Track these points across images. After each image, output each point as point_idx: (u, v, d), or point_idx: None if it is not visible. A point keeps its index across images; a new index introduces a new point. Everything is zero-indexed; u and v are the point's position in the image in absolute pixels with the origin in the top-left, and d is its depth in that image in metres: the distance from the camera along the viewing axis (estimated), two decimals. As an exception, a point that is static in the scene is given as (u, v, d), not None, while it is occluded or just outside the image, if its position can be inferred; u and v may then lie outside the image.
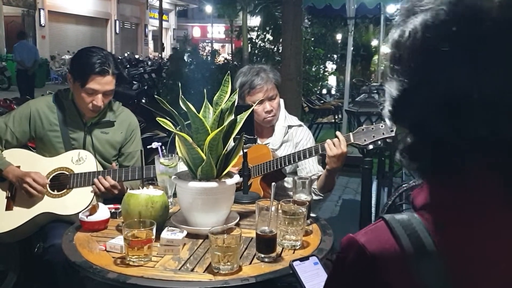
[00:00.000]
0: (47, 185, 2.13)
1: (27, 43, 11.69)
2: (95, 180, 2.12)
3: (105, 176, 2.13)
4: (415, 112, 0.69)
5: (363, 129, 2.00)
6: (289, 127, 2.43)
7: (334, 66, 15.39)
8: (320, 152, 2.07)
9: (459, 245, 0.67)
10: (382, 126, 1.97)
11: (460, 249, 0.67)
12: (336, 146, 1.99)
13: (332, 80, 14.08)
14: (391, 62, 0.71)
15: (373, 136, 1.97)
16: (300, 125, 2.46)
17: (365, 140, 1.98)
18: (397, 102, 0.71)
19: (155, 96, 2.52)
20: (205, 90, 1.70)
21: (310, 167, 2.32)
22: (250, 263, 1.43)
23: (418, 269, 0.66)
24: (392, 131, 1.96)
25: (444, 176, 0.70)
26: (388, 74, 0.72)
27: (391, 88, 0.71)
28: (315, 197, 2.22)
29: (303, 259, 1.31)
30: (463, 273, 0.66)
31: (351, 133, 2.03)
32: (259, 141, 2.34)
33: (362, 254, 0.69)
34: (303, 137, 2.42)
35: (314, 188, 2.20)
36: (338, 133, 2.05)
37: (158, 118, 1.66)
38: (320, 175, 2.20)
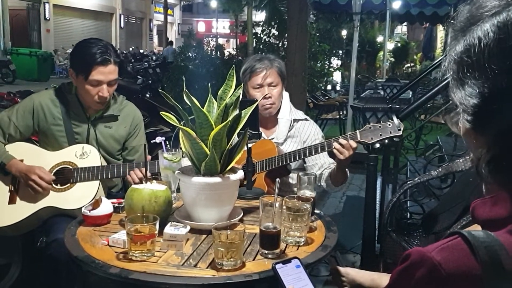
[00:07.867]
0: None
1: (172, 48, 19.14)
2: (131, 172, 2.11)
3: (133, 168, 2.13)
4: (503, 118, 0.65)
5: (370, 127, 1.96)
6: (295, 120, 2.40)
7: (339, 62, 15.34)
8: (326, 149, 2.04)
9: None
10: (389, 124, 1.93)
11: None
12: (346, 148, 1.97)
13: (337, 76, 14.03)
14: (461, 70, 0.68)
15: (380, 135, 1.93)
16: (306, 119, 2.43)
17: (372, 139, 1.95)
18: (479, 109, 0.67)
19: (160, 90, 2.50)
20: (209, 85, 1.68)
21: (322, 161, 2.30)
22: (254, 259, 1.42)
23: None
24: (399, 130, 1.92)
25: None
26: (457, 83, 0.69)
27: (467, 96, 0.67)
28: (326, 188, 2.28)
29: (285, 261, 1.28)
30: None
31: (358, 131, 1.99)
32: (264, 135, 2.32)
33: (436, 273, 0.66)
34: (311, 133, 2.39)
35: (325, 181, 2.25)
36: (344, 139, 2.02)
37: (162, 113, 1.64)
38: (333, 168, 2.19)
